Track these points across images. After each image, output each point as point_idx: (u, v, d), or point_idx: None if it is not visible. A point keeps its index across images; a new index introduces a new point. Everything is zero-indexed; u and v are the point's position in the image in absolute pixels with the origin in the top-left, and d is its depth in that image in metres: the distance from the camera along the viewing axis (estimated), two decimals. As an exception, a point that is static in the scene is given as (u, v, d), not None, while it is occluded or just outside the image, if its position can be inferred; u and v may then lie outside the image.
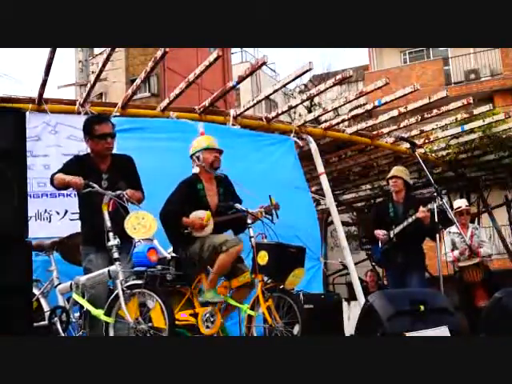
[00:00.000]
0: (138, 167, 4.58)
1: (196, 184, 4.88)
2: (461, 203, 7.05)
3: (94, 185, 4.18)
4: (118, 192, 4.21)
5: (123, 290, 3.95)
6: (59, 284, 4.65)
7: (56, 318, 4.44)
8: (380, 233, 6.08)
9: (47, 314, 4.53)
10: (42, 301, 4.66)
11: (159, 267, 4.77)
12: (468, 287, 6.56)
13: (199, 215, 4.71)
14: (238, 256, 4.66)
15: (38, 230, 5.32)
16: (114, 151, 4.54)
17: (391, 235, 6.03)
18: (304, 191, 7.41)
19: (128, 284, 4.00)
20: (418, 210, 5.78)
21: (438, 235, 5.65)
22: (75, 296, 4.32)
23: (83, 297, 4.30)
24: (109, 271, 4.11)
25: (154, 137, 6.48)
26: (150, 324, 3.89)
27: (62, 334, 4.33)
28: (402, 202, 6.10)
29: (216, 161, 4.92)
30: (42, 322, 4.50)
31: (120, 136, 6.19)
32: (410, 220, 5.88)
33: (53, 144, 6.02)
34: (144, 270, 4.10)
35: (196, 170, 4.97)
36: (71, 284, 4.38)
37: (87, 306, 4.21)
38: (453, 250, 6.74)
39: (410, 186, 6.17)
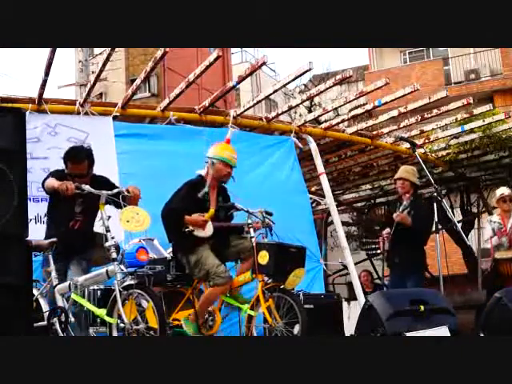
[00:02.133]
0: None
1: (201, 187, 4.84)
2: (504, 190, 6.71)
3: (85, 187, 4.16)
4: (116, 190, 4.19)
5: (120, 291, 3.95)
6: (58, 284, 4.65)
7: (55, 319, 4.43)
8: (385, 233, 6.11)
9: (46, 315, 4.52)
10: (41, 301, 4.65)
11: (159, 267, 4.79)
12: (502, 280, 6.17)
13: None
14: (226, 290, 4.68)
15: (38, 233, 5.28)
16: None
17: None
18: (303, 194, 7.41)
19: (124, 284, 3.99)
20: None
21: (437, 235, 5.64)
22: (74, 296, 4.31)
23: (83, 296, 4.30)
24: (107, 271, 4.10)
25: (151, 143, 6.48)
26: (147, 324, 3.89)
27: (61, 335, 4.32)
28: (408, 202, 6.07)
29: (227, 177, 4.90)
30: (41, 323, 4.49)
31: (117, 140, 6.24)
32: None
33: (52, 146, 5.97)
34: (134, 270, 4.10)
35: (204, 171, 4.90)
36: (70, 284, 4.37)
37: (87, 305, 4.21)
38: (492, 238, 6.44)
39: (418, 186, 6.13)
